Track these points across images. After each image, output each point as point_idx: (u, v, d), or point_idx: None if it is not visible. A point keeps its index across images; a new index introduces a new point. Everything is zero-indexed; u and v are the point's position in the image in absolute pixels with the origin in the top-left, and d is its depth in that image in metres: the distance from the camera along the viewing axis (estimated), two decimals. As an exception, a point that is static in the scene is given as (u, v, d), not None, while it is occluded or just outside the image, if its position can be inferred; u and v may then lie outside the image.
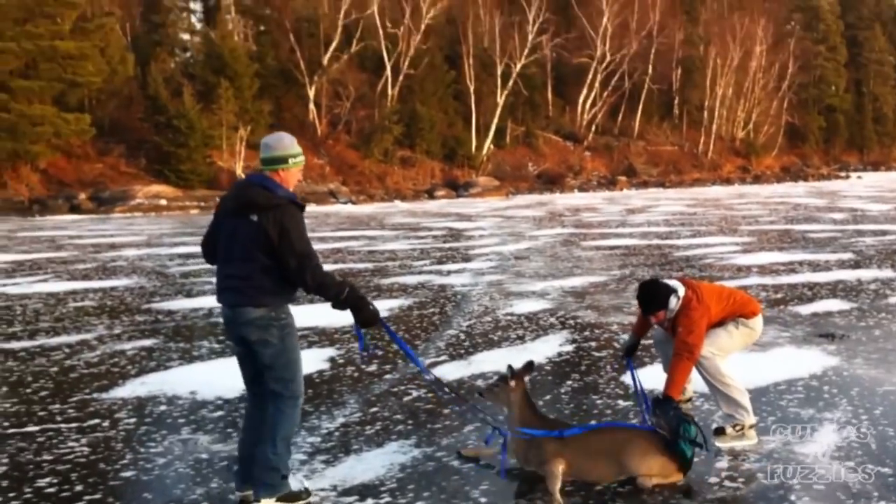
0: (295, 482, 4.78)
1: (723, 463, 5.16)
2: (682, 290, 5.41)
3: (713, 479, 4.88)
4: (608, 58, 59.78)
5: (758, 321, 5.66)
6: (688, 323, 5.26)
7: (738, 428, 5.45)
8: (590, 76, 60.14)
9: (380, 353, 8.24)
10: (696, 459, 4.90)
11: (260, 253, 4.35)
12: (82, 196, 37.23)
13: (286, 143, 4.57)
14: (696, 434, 4.85)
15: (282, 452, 4.50)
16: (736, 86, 67.86)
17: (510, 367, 5.12)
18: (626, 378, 6.83)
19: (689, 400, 6.27)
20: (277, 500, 4.52)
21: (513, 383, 5.04)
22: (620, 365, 7.32)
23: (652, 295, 5.47)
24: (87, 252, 19.63)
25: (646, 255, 16.68)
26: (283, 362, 4.47)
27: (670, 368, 5.29)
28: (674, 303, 5.38)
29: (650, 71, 62.38)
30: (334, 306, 4.47)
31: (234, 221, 4.44)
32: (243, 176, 41.42)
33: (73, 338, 9.46)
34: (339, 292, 4.41)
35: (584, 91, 60.72)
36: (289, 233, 4.32)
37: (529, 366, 5.25)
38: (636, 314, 6.11)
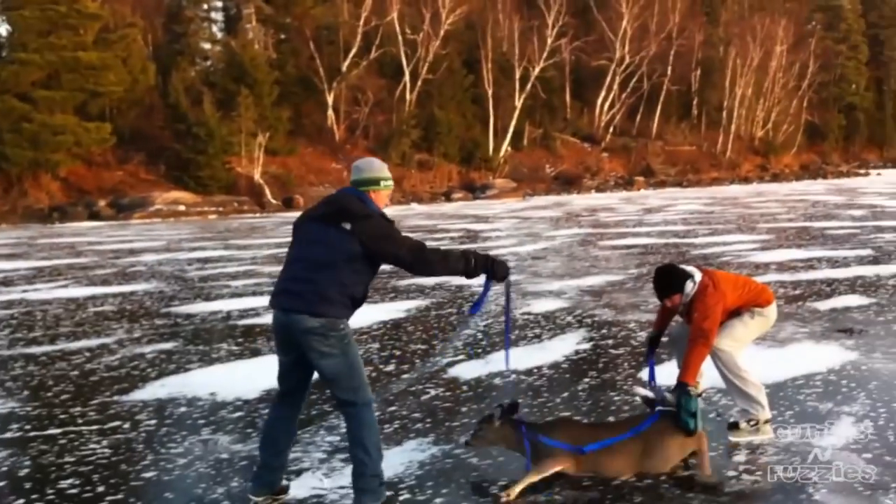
0: (314, 480, 4.83)
1: (740, 457, 5.16)
2: (698, 276, 5.40)
3: (731, 473, 4.88)
4: (627, 60, 59.66)
5: (772, 309, 5.62)
6: (703, 309, 5.25)
7: (752, 423, 5.43)
8: (608, 78, 60.01)
9: (398, 353, 8.27)
10: (713, 454, 4.90)
11: (342, 261, 4.34)
12: (102, 203, 37.54)
13: (377, 166, 4.68)
14: (696, 406, 4.85)
15: (377, 458, 4.45)
16: (755, 85, 67.49)
17: (499, 406, 5.04)
18: (644, 374, 6.83)
19: (702, 395, 6.25)
20: None
21: (498, 423, 4.94)
22: (642, 358, 7.31)
23: (668, 278, 5.47)
24: (107, 258, 19.79)
25: (663, 254, 16.64)
26: (348, 372, 4.41)
27: (685, 354, 5.27)
28: (690, 287, 5.37)
29: (669, 72, 62.13)
30: (468, 275, 4.51)
31: (322, 227, 4.42)
32: (262, 182, 41.77)
33: (94, 342, 9.55)
34: (467, 259, 4.48)
35: (603, 93, 60.60)
36: (388, 235, 4.38)
37: (514, 406, 5.09)
38: (656, 310, 6.10)
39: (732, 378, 5.47)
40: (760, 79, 67.69)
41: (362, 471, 4.42)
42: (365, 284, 4.49)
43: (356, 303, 4.49)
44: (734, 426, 5.50)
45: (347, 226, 4.34)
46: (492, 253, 5.81)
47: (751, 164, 66.97)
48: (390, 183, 4.65)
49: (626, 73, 60.21)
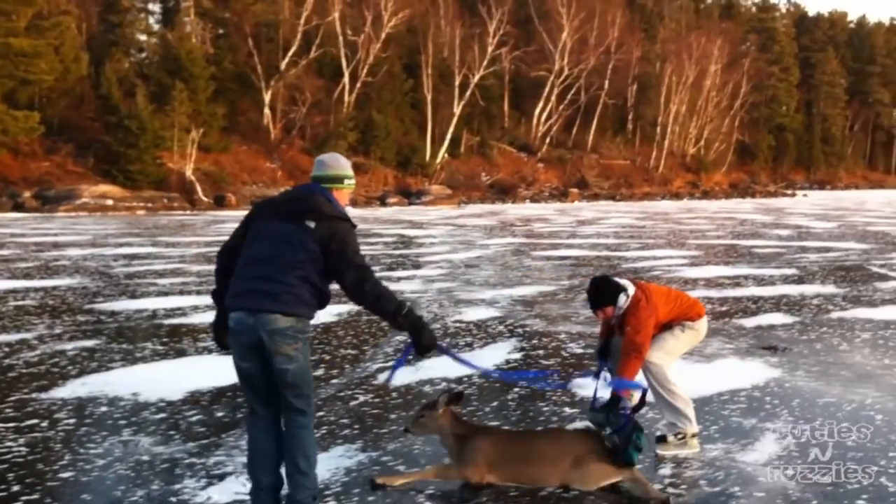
0: (238, 485, 4.74)
1: (665, 470, 5.21)
2: (631, 290, 5.44)
3: (656, 486, 4.91)
4: (566, 72, 60.38)
5: (702, 323, 5.69)
6: (636, 322, 5.29)
7: (680, 436, 5.48)
8: (547, 89, 60.64)
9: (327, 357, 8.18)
10: (638, 466, 4.93)
11: (307, 261, 4.19)
12: (27, 194, 36.58)
13: (342, 163, 4.54)
14: (645, 442, 4.93)
15: (315, 472, 4.33)
16: (689, 103, 68.93)
17: (444, 392, 5.03)
18: (571, 386, 6.87)
19: (639, 407, 6.28)
20: None
21: (440, 410, 4.93)
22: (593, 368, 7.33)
23: (601, 290, 5.50)
24: (30, 251, 19.26)
25: (595, 266, 16.81)
26: (305, 379, 4.25)
27: (619, 367, 5.31)
28: (623, 300, 5.40)
29: (606, 86, 63.08)
30: (392, 323, 4.32)
31: (286, 225, 4.25)
32: (193, 179, 41.12)
33: (13, 337, 9.26)
34: (399, 308, 4.25)
35: (541, 104, 61.21)
36: (347, 246, 4.24)
37: (459, 396, 5.14)
38: (587, 322, 6.14)
39: (661, 391, 5.51)
40: (695, 96, 69.15)
41: (303, 483, 4.25)
42: (329, 283, 4.34)
43: (323, 303, 4.37)
44: (662, 439, 5.54)
45: (311, 224, 4.22)
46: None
47: (682, 181, 68.28)
48: (353, 182, 4.55)
49: (564, 84, 60.91)
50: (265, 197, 4.38)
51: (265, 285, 4.15)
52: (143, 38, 52.93)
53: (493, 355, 8.42)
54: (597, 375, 5.61)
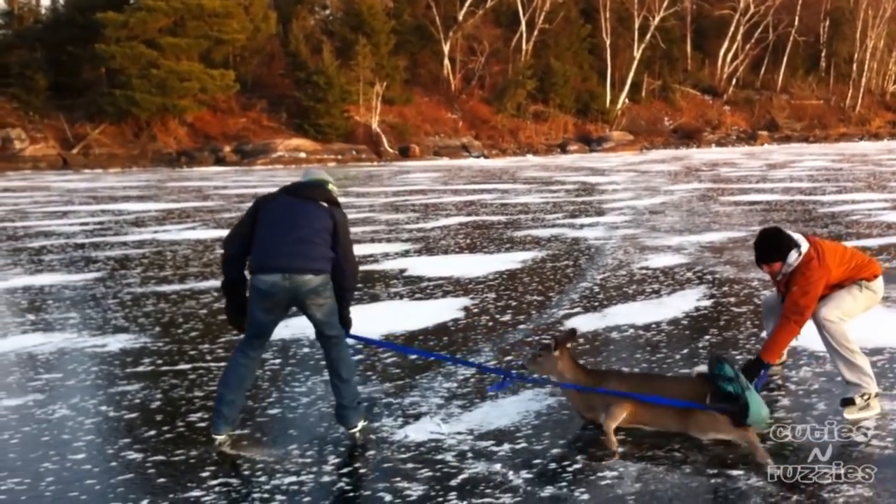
0: (432, 424, 4.93)
1: (870, 422, 4.97)
2: (805, 246, 5.07)
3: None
4: (752, 9, 57.56)
5: (879, 283, 5.26)
6: (804, 283, 4.96)
7: (865, 397, 5.06)
8: (732, 28, 58.08)
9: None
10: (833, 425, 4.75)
11: (323, 230, 4.84)
12: (227, 149, 38.68)
13: (325, 174, 5.26)
14: (734, 373, 4.59)
15: (355, 380, 5.06)
16: (888, 37, 64.28)
17: (553, 336, 5.15)
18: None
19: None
20: (364, 421, 5.01)
21: (556, 353, 4.98)
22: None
23: (772, 243, 5.12)
24: (232, 202, 20.39)
25: (788, 211, 16.11)
26: (333, 312, 4.91)
27: (775, 329, 5.01)
28: (794, 257, 5.05)
29: (796, 22, 59.66)
30: (345, 313, 5.04)
31: (303, 203, 4.90)
32: (379, 131, 42.17)
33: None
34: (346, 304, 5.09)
35: (726, 44, 58.71)
36: (347, 234, 4.99)
37: (572, 333, 5.31)
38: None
39: (841, 350, 5.09)
40: (893, 30, 64.30)
41: (346, 390, 4.90)
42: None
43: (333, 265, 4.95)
44: (849, 401, 5.10)
45: (325, 204, 4.93)
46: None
47: (882, 120, 63.93)
48: (336, 189, 5.20)
49: (750, 23, 58.09)
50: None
51: (300, 248, 4.76)
52: (326, -5, 54.35)
53: (682, 303, 8.26)
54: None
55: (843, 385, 5.20)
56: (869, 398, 5.05)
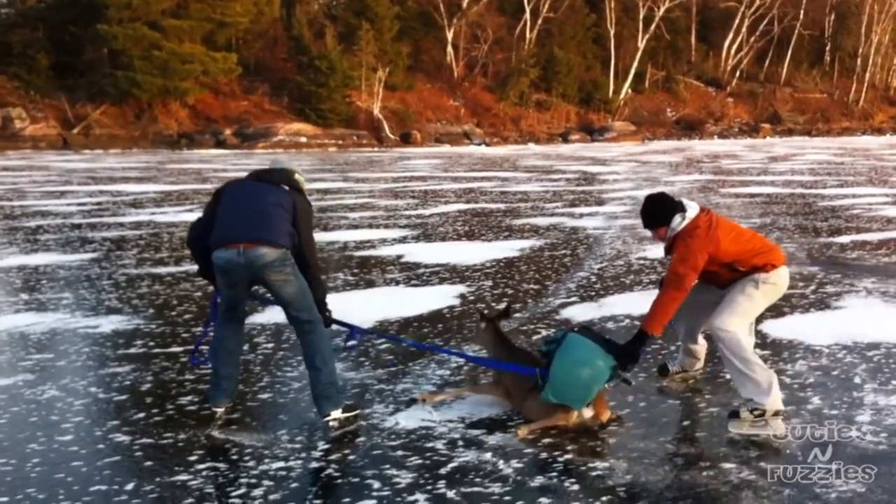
0: (424, 412, 4.89)
1: (864, 416, 4.89)
2: (692, 212, 4.79)
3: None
4: (757, 2, 57.37)
5: (780, 274, 4.86)
6: (683, 250, 4.67)
7: (757, 413, 4.59)
8: (737, 20, 57.95)
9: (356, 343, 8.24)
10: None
11: (283, 209, 4.80)
12: (227, 132, 38.64)
13: (294, 164, 5.28)
14: (559, 337, 4.76)
15: (332, 367, 4.83)
16: (893, 33, 64.15)
17: (480, 311, 5.45)
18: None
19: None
20: (343, 411, 4.79)
21: (483, 325, 5.29)
22: None
23: (656, 208, 4.88)
24: (231, 186, 20.30)
25: (788, 204, 16.06)
26: (303, 294, 4.78)
27: (656, 298, 4.73)
28: (677, 221, 4.78)
29: (801, 16, 59.50)
30: (319, 301, 4.89)
31: (264, 186, 4.92)
32: (381, 117, 42.10)
33: (216, 266, 9.81)
34: (325, 292, 5.02)
35: (730, 35, 58.62)
36: (308, 220, 4.95)
37: (506, 311, 5.48)
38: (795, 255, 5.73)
39: (736, 362, 4.67)
40: (899, 25, 64.19)
41: (319, 378, 4.74)
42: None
43: (295, 245, 4.87)
44: (734, 415, 4.68)
45: (286, 187, 4.93)
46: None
47: (885, 115, 63.88)
48: (304, 180, 5.19)
49: (755, 15, 57.96)
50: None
51: (256, 220, 4.73)
52: (330, -21, 54.23)
53: (679, 294, 8.20)
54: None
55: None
56: (763, 414, 4.58)
